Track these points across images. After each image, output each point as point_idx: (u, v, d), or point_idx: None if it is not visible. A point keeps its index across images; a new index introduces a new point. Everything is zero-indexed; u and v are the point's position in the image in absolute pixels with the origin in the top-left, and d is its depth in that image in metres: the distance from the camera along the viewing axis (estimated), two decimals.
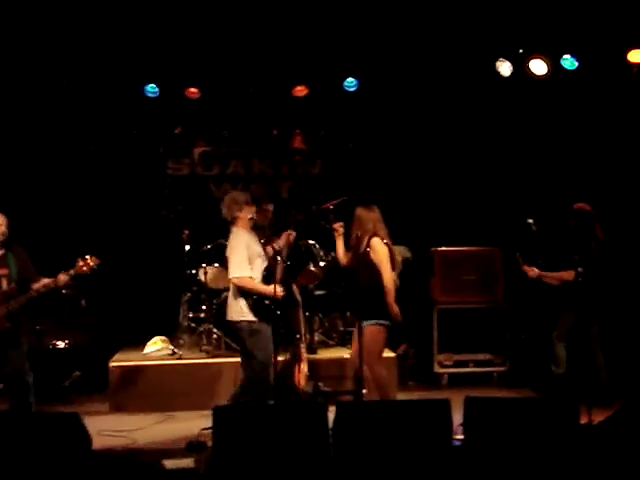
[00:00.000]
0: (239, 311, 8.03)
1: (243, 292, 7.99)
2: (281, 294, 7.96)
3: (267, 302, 7.98)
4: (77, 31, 9.44)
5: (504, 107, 11.04)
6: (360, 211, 8.29)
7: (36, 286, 7.64)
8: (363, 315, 8.00)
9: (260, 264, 8.09)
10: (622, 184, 10.56)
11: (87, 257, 7.64)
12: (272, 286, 7.91)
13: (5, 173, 10.62)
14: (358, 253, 8.17)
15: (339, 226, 8.44)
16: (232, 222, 8.17)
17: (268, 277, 8.05)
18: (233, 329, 8.25)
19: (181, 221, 10.39)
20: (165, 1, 9.28)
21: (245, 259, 7.97)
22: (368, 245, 8.11)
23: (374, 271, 8.11)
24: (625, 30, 9.25)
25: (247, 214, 8.13)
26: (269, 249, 8.29)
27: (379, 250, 8.15)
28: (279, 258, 8.13)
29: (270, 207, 9.57)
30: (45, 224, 10.55)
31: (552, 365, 9.02)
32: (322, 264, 9.81)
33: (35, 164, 10.96)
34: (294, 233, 8.46)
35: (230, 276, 8.03)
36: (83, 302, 10.51)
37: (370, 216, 8.27)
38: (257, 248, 8.15)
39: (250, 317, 7.99)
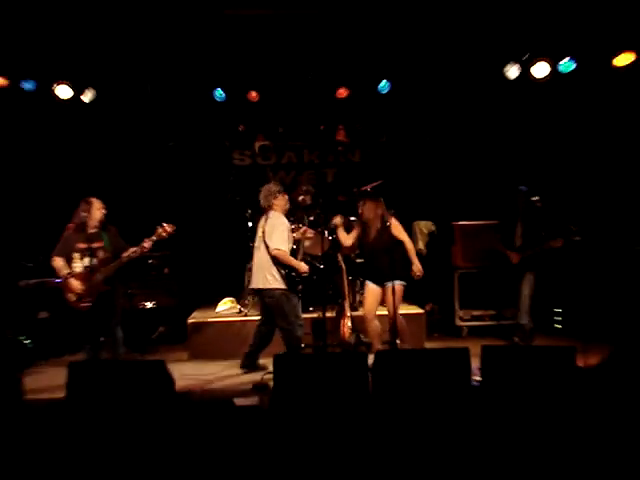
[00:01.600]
0: (273, 279, 8.09)
1: (279, 263, 8.05)
2: (307, 271, 8.11)
3: (293, 274, 8.07)
4: (161, 47, 9.48)
5: (511, 104, 10.93)
6: (370, 202, 8.34)
7: (126, 254, 7.76)
8: (394, 277, 8.09)
9: (290, 244, 8.18)
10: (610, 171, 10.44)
11: (164, 224, 7.77)
12: (302, 262, 8.02)
13: (103, 164, 10.75)
14: (379, 230, 8.24)
15: (341, 218, 8.48)
16: (269, 208, 8.25)
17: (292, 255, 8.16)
18: (268, 295, 8.21)
19: (245, 203, 10.42)
20: (230, 25, 9.26)
21: (285, 236, 8.05)
22: (388, 222, 8.19)
23: (397, 241, 8.24)
24: (614, 34, 9.06)
25: (281, 201, 8.20)
26: (296, 234, 8.40)
27: (397, 224, 8.33)
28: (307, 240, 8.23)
29: (309, 188, 9.61)
30: (136, 206, 10.63)
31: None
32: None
33: (127, 157, 11.07)
34: (309, 230, 8.47)
35: (272, 247, 8.06)
36: (166, 270, 10.59)
37: (379, 205, 8.31)
38: (290, 232, 8.24)
39: (283, 285, 8.06)
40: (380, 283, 8.28)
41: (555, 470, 4.90)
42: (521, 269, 8.93)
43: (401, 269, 8.22)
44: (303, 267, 8.09)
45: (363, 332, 8.75)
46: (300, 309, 8.28)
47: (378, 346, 8.32)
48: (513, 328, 9.27)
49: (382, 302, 8.37)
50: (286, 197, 8.27)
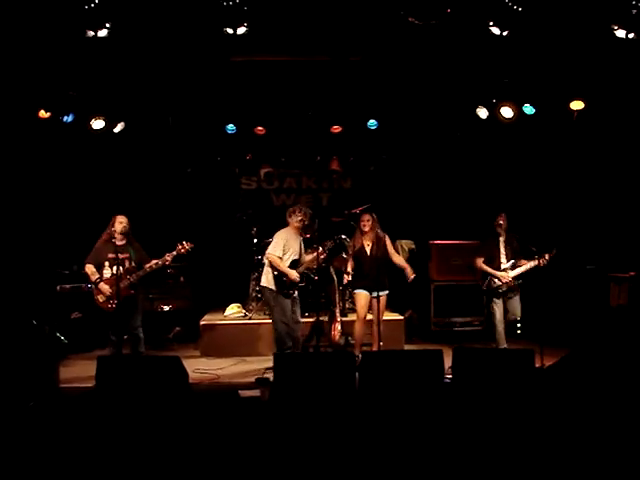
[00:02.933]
0: (265, 280, 8.17)
1: (272, 266, 8.09)
2: (297, 279, 8.07)
3: (285, 279, 8.06)
4: (181, 86, 9.51)
5: (482, 140, 10.99)
6: (370, 218, 8.32)
7: (148, 264, 7.79)
8: (383, 287, 8.10)
9: (290, 256, 8.15)
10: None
11: (184, 242, 7.82)
12: (293, 270, 8.06)
13: (131, 187, 10.76)
14: (375, 243, 8.20)
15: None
16: (287, 224, 8.32)
17: (291, 266, 8.13)
18: (261, 292, 8.50)
19: (251, 221, 10.43)
20: (240, 70, 9.31)
21: (280, 245, 8.08)
22: (383, 237, 8.22)
23: (387, 255, 8.23)
24: (569, 81, 9.10)
25: (293, 221, 8.23)
26: (311, 256, 8.41)
27: (388, 240, 8.34)
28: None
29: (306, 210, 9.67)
30: (158, 224, 10.57)
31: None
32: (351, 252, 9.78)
33: (152, 181, 11.08)
34: (324, 254, 8.46)
35: (267, 252, 8.16)
36: (182, 278, 10.57)
37: (374, 221, 8.33)
38: (294, 245, 8.21)
39: (271, 286, 8.09)
40: (370, 291, 8.19)
41: (514, 455, 4.92)
42: (508, 290, 8.31)
43: (387, 280, 8.21)
44: (292, 275, 8.04)
45: (351, 335, 8.74)
46: (295, 312, 8.21)
47: (359, 348, 8.24)
48: (480, 334, 9.25)
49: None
50: (298, 216, 8.26)
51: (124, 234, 7.82)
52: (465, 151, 11.26)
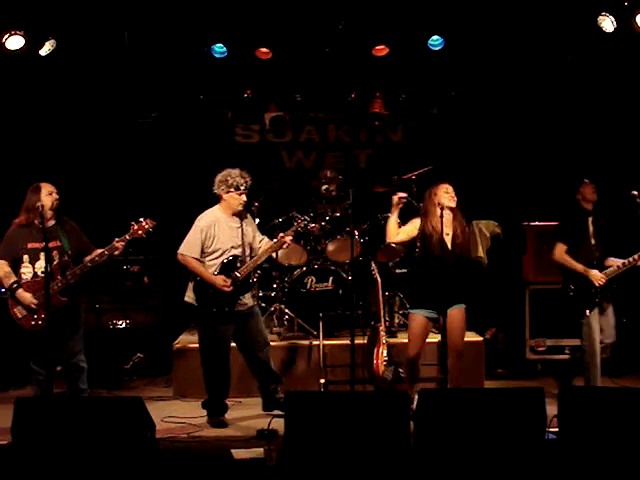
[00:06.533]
0: (188, 292, 8.25)
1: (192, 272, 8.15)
2: (225, 287, 8.01)
3: (211, 291, 8.06)
4: None
5: (607, 65, 10.84)
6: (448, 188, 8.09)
7: (90, 257, 7.83)
8: (461, 299, 8.08)
9: (223, 252, 8.15)
10: None
11: (141, 220, 7.84)
12: (219, 276, 8.03)
13: (60, 140, 10.77)
14: (464, 234, 8.11)
15: (398, 197, 8.10)
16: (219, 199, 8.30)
17: (226, 267, 8.11)
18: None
19: (250, 193, 10.40)
20: None
21: (196, 239, 8.10)
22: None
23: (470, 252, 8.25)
24: None
25: (231, 199, 8.17)
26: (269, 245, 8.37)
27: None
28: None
29: (334, 175, 9.58)
30: (105, 197, 10.67)
31: None
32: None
33: (95, 131, 11.11)
34: (288, 240, 8.35)
35: (178, 251, 8.18)
36: (146, 279, 10.66)
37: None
38: (226, 234, 8.18)
39: (193, 301, 8.17)
40: (440, 310, 7.96)
41: None
42: (602, 298, 8.50)
43: (468, 289, 8.15)
44: (217, 282, 8.01)
45: (402, 366, 8.68)
46: (256, 331, 8.31)
47: (415, 384, 8.26)
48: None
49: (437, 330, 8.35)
50: (241, 198, 8.21)
51: (54, 210, 7.84)
52: (579, 80, 11.11)
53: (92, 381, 8.23)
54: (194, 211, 11.04)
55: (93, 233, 8.11)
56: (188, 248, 8.10)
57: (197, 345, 9.46)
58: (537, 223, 10.53)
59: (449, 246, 7.97)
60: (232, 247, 8.17)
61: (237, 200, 8.15)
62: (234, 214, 8.23)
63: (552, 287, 10.20)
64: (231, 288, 8.02)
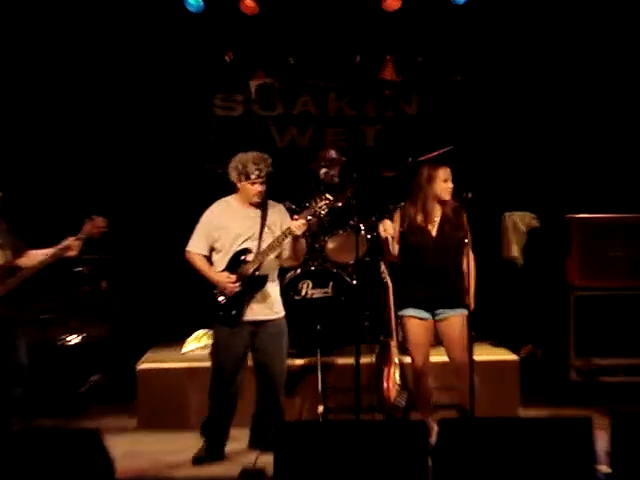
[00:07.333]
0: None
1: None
2: (229, 287, 8.08)
3: (215, 291, 8.18)
4: None
5: None
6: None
7: (29, 262, 7.89)
8: (458, 303, 8.16)
9: (232, 246, 8.24)
10: None
11: (94, 217, 7.93)
12: (222, 274, 8.13)
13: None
14: (455, 224, 8.21)
15: (384, 229, 8.16)
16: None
17: (233, 261, 8.19)
18: None
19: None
20: None
21: (201, 233, 8.28)
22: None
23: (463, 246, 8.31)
24: None
25: (245, 189, 8.26)
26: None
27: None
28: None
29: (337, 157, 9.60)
30: (53, 187, 10.68)
31: None
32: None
33: (41, 101, 11.13)
34: (294, 226, 8.34)
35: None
36: (104, 284, 10.63)
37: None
38: (237, 225, 8.26)
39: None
40: (433, 311, 8.19)
41: None
42: None
43: (464, 290, 8.17)
44: (220, 280, 8.11)
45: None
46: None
47: (431, 412, 8.33)
48: None
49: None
50: (245, 184, 8.25)
51: None
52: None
53: (38, 409, 8.22)
54: (162, 203, 11.14)
55: (30, 230, 8.13)
56: (192, 244, 8.29)
57: (166, 365, 9.63)
58: (585, 215, 10.51)
59: (433, 235, 8.18)
60: (247, 239, 8.23)
61: (251, 190, 8.21)
62: (252, 204, 8.30)
63: (603, 293, 10.31)
64: (236, 285, 8.07)
